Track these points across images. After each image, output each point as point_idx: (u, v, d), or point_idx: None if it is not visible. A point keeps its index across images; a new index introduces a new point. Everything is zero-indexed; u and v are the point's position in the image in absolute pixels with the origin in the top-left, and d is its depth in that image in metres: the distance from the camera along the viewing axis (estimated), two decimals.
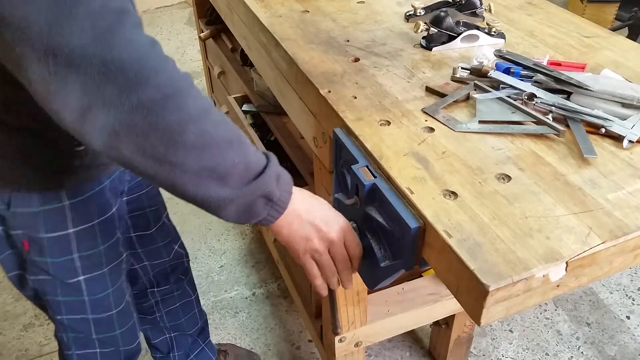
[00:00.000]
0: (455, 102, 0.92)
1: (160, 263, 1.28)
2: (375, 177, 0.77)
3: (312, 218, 0.74)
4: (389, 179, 0.76)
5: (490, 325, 1.77)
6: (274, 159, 0.69)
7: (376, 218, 0.76)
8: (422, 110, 0.90)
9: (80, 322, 1.02)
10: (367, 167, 0.79)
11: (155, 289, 1.33)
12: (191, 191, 0.63)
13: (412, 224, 0.69)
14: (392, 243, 0.75)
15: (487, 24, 1.12)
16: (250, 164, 0.66)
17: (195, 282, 1.45)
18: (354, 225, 0.81)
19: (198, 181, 0.62)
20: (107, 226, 0.97)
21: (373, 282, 0.82)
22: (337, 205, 0.86)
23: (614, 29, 2.52)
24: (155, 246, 1.24)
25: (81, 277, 0.95)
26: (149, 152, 0.59)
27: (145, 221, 1.18)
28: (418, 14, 1.19)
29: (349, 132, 0.86)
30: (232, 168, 0.63)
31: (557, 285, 0.66)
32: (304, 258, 0.76)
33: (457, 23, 1.10)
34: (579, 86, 0.89)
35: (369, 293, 1.22)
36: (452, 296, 0.68)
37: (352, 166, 0.79)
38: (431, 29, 1.09)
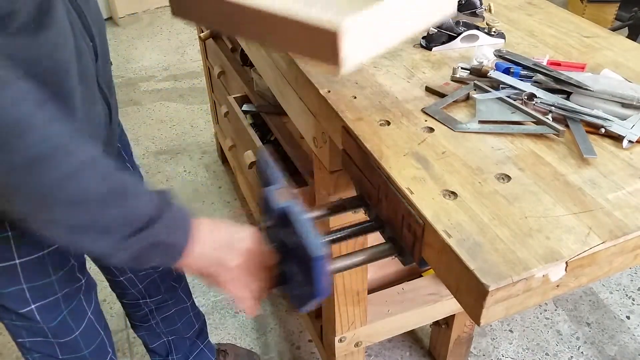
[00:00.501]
0: (455, 102, 0.92)
1: (147, 275, 1.26)
2: (289, 200, 0.73)
3: (218, 238, 0.71)
4: (388, 179, 0.76)
5: (490, 325, 1.77)
6: (168, 203, 0.66)
7: (289, 243, 0.72)
8: (422, 110, 0.90)
9: (43, 344, 0.99)
10: (283, 189, 0.76)
11: (148, 300, 1.31)
12: (74, 246, 0.62)
13: (315, 252, 0.65)
14: (303, 269, 0.70)
15: (487, 24, 1.12)
16: (135, 216, 0.63)
17: (196, 281, 1.44)
18: (274, 246, 0.77)
19: (79, 236, 0.60)
20: (59, 255, 0.92)
21: (296, 305, 0.77)
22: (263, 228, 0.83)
23: (614, 29, 2.52)
24: None
25: (32, 306, 0.92)
26: (24, 211, 0.58)
27: None
28: None
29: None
30: (113, 222, 0.61)
31: (557, 285, 0.66)
32: (225, 282, 0.73)
33: (457, 23, 1.10)
34: (579, 86, 0.89)
35: (369, 293, 1.22)
36: (452, 296, 0.68)
37: (266, 188, 0.76)
38: (431, 28, 1.09)
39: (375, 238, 0.88)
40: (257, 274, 0.75)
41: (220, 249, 0.71)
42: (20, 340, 0.98)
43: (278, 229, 0.75)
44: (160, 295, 1.32)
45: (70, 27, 0.71)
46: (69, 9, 0.71)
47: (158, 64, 3.34)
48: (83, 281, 1.01)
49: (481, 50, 1.04)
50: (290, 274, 0.75)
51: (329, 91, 0.95)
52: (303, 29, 0.59)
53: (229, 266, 0.71)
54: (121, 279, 1.22)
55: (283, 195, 0.75)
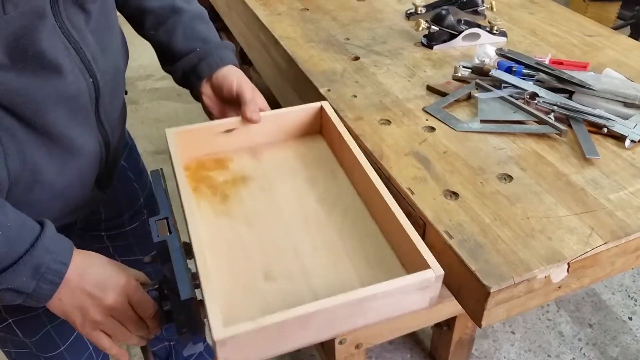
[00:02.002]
0: (457, 101, 0.91)
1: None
2: (170, 232, 0.68)
3: (83, 284, 0.65)
4: (389, 179, 0.76)
5: (492, 327, 1.76)
6: (38, 248, 0.61)
7: (170, 279, 0.66)
8: (423, 109, 0.90)
9: (28, 356, 0.96)
10: (166, 219, 0.69)
11: None
12: None
13: (184, 294, 0.60)
14: (180, 310, 0.65)
15: (489, 22, 1.12)
16: None
17: None
18: (155, 286, 0.70)
19: None
20: None
21: (182, 346, 0.70)
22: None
23: (616, 28, 2.51)
24: (146, 271, 1.19)
25: (10, 320, 0.88)
26: None
27: (132, 252, 1.12)
28: (419, 12, 1.18)
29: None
30: None
31: (559, 287, 0.65)
32: (85, 332, 0.67)
33: (459, 21, 1.09)
34: (581, 85, 0.89)
35: None
36: (454, 298, 0.67)
37: (150, 218, 0.70)
38: (432, 27, 1.08)
39: None
40: (130, 325, 0.68)
41: (88, 284, 0.65)
42: (6, 350, 0.96)
43: (161, 263, 0.69)
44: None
45: (63, 65, 0.67)
46: (65, 45, 0.67)
47: (156, 63, 3.31)
48: None
49: (483, 48, 1.03)
50: (175, 313, 0.68)
51: (329, 90, 0.94)
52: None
53: (92, 318, 0.66)
54: None
55: (163, 227, 0.69)
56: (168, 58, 0.87)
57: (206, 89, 0.84)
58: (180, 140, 0.78)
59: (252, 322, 0.54)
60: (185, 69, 0.85)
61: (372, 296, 0.57)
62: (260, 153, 0.84)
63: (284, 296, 0.63)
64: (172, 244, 0.66)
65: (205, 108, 0.86)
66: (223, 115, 0.86)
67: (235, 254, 0.68)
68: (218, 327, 0.54)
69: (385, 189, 0.68)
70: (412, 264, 0.63)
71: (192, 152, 0.81)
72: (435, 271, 0.58)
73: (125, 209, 1.04)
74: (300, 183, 0.78)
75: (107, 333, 0.68)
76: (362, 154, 0.74)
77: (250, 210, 0.74)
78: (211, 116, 0.87)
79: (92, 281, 0.65)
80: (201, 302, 0.60)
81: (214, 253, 0.68)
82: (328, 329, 0.59)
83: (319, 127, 0.87)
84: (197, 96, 0.87)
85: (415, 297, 0.60)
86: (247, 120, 0.80)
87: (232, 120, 0.81)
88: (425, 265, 0.59)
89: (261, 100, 0.82)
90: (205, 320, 0.66)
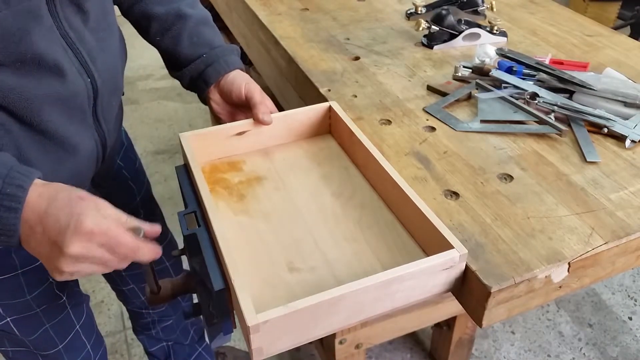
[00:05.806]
0: (457, 101, 0.91)
1: None
2: (199, 225, 0.68)
3: (45, 224, 0.57)
4: None
5: (492, 327, 1.76)
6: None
7: (199, 272, 0.67)
8: (423, 109, 0.90)
9: (26, 355, 0.96)
10: (194, 213, 0.70)
11: (151, 311, 1.29)
12: None
13: (217, 285, 0.60)
14: (210, 302, 0.64)
15: (489, 22, 1.12)
16: None
17: None
18: (188, 273, 0.70)
19: None
20: (34, 276, 0.87)
21: (210, 338, 0.70)
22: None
23: (616, 28, 2.51)
24: (140, 271, 1.19)
25: (8, 319, 0.89)
26: None
27: None
28: (419, 12, 1.18)
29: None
30: None
31: (560, 286, 0.65)
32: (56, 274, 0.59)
33: (459, 21, 1.09)
34: (582, 85, 0.88)
35: None
36: (454, 297, 0.67)
37: (179, 212, 0.70)
38: (432, 27, 1.08)
39: None
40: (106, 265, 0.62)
41: (48, 225, 0.57)
42: (3, 349, 0.96)
43: (189, 256, 0.69)
44: (163, 308, 1.30)
45: (62, 65, 0.67)
46: (64, 46, 0.67)
47: (156, 63, 3.32)
48: (64, 298, 0.96)
49: (483, 48, 1.03)
50: (204, 305, 0.68)
51: (329, 90, 0.94)
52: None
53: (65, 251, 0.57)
54: (123, 289, 1.21)
55: (191, 220, 0.70)
56: (175, 64, 0.88)
57: (214, 95, 0.85)
58: (194, 144, 0.78)
59: (284, 307, 0.54)
60: (193, 76, 0.85)
61: (399, 277, 0.58)
62: (272, 154, 0.84)
63: (310, 285, 0.63)
64: (202, 236, 0.66)
65: (214, 112, 0.87)
66: (232, 119, 0.86)
67: (256, 249, 0.69)
68: (251, 313, 0.54)
69: (401, 177, 0.69)
70: (433, 247, 0.63)
71: (206, 155, 0.82)
72: (459, 250, 0.59)
73: (120, 208, 1.04)
74: (315, 180, 0.79)
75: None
76: (375, 148, 0.75)
77: (268, 208, 0.75)
78: (219, 120, 0.87)
79: (54, 221, 0.57)
80: (230, 293, 0.61)
81: (235, 249, 0.68)
82: (357, 313, 0.59)
83: (328, 127, 0.87)
84: (204, 100, 0.87)
85: (440, 278, 0.61)
86: (259, 122, 0.80)
87: (244, 123, 0.81)
88: (449, 246, 0.60)
89: (270, 103, 0.83)
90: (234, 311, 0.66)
